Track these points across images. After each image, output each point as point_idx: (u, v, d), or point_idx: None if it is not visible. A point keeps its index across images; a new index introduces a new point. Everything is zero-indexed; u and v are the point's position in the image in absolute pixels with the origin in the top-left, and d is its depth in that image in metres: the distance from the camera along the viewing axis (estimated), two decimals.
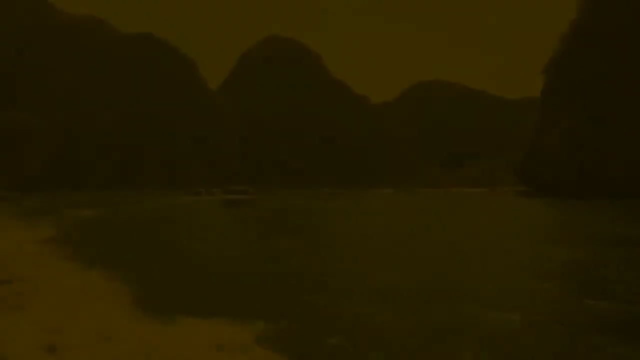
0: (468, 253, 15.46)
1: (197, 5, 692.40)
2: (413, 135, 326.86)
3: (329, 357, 6.20)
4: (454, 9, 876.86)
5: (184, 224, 24.82)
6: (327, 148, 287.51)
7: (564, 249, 16.08)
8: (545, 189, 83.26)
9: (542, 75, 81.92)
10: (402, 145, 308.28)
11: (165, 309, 7.90)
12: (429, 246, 17.40)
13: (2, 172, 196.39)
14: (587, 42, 73.13)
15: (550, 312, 7.98)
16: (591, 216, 29.04)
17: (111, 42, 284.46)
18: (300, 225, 26.23)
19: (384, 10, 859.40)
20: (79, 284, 9.81)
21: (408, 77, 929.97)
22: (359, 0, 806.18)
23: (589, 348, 6.37)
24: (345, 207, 46.46)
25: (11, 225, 23.07)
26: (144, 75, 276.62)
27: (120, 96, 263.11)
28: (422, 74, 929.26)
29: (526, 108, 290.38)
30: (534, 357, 6.19)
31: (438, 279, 11.06)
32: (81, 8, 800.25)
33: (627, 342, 6.60)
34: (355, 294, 9.56)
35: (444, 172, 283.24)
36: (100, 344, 6.37)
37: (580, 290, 10.19)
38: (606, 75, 69.68)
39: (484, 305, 8.46)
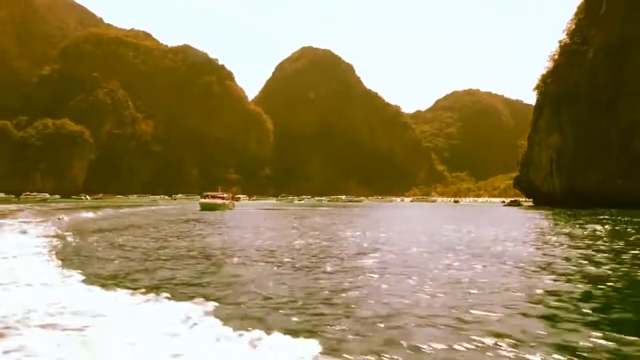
0: None
1: (234, 18, 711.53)
2: (444, 145, 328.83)
3: None
4: (490, 19, 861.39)
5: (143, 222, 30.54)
6: (356, 156, 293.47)
7: None
8: (539, 199, 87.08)
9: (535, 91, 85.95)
10: (432, 155, 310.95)
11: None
12: None
13: (49, 176, 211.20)
14: (573, 63, 76.78)
15: None
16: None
17: (154, 54, 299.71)
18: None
19: (418, 21, 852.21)
20: None
21: (445, 87, 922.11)
22: (392, 11, 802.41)
23: None
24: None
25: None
26: (183, 86, 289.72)
27: (160, 106, 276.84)
28: (457, 84, 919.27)
29: None
30: None
31: None
32: (128, 22, 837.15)
33: None
34: None
35: (473, 181, 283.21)
36: None
37: None
38: (590, 94, 73.18)
39: None
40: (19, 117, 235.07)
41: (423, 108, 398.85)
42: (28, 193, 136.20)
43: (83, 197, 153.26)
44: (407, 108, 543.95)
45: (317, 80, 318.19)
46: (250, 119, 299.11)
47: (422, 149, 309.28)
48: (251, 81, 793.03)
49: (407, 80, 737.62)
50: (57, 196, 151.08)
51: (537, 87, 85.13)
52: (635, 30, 68.68)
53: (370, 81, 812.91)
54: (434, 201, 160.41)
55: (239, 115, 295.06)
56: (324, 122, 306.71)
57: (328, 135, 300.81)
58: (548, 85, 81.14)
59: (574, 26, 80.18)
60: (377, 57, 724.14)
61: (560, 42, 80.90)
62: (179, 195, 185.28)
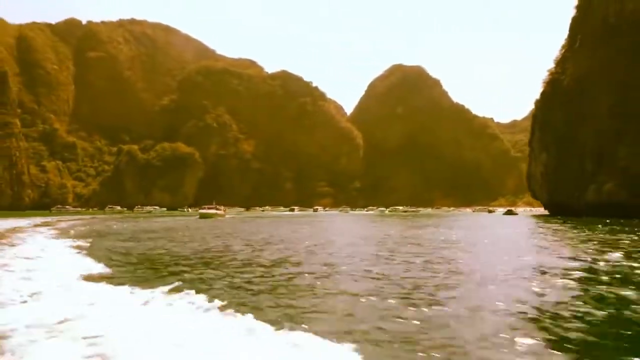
0: None
1: (327, 43, 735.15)
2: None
3: None
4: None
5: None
6: (442, 168, 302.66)
7: None
8: (551, 210, 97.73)
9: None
10: (523, 164, 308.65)
11: None
12: None
13: (166, 192, 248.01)
14: (555, 90, 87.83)
15: None
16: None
17: (255, 81, 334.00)
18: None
19: (507, 32, 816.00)
20: None
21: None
22: (480, 23, 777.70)
23: None
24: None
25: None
26: (280, 108, 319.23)
27: (260, 127, 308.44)
28: None
29: None
30: None
31: None
32: (237, 51, 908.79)
33: None
34: None
35: None
36: None
37: None
38: (565, 119, 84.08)
39: None
40: (145, 141, 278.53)
41: (519, 117, 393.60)
42: (139, 207, 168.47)
43: (186, 210, 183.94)
44: (504, 118, 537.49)
45: (405, 96, 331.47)
46: (341, 136, 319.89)
47: (510, 159, 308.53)
48: (352, 100, 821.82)
49: (503, 90, 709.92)
50: (164, 209, 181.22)
51: (533, 114, 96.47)
52: (597, 64, 79.07)
53: (462, 95, 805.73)
54: (491, 211, 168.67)
55: (331, 133, 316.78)
56: (411, 136, 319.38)
57: (415, 149, 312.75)
58: (537, 110, 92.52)
59: (560, 56, 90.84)
60: (471, 72, 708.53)
61: (549, 70, 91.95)
62: (266, 207, 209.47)
